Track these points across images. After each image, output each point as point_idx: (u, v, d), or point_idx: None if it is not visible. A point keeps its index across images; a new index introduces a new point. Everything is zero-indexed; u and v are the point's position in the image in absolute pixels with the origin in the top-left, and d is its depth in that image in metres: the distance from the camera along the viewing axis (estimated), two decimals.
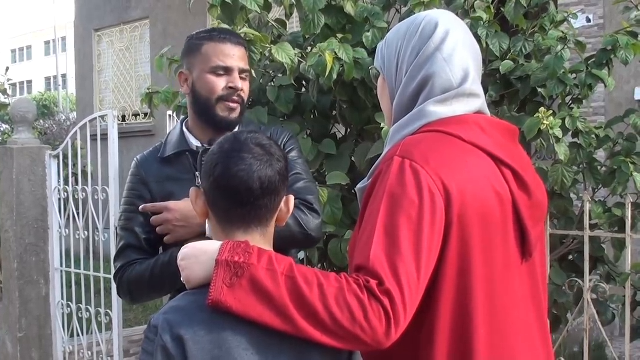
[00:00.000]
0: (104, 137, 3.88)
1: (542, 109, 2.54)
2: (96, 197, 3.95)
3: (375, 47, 2.55)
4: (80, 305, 4.20)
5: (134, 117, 10.69)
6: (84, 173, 5.42)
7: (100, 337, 4.07)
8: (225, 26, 2.51)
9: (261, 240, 1.37)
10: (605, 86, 2.76)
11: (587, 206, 2.72)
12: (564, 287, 2.85)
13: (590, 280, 2.75)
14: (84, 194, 4.11)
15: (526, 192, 1.47)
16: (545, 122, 2.49)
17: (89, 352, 4.19)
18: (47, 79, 49.67)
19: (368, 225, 1.35)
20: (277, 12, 3.52)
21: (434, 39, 1.48)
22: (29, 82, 52.48)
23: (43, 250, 4.43)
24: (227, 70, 2.01)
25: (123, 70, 10.97)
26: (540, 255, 1.54)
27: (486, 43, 2.66)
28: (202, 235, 1.82)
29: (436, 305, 1.36)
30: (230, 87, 2.01)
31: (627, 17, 2.80)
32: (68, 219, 4.29)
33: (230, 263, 1.28)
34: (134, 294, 2.03)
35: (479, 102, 1.51)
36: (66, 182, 4.29)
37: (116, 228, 2.18)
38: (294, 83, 2.71)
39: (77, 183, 4.36)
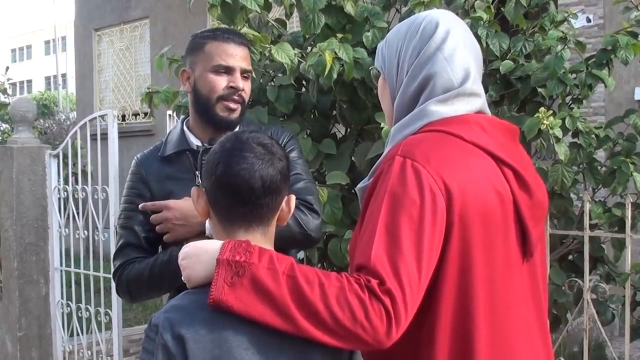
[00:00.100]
0: (104, 136, 3.88)
1: (542, 109, 2.54)
2: (96, 197, 3.95)
3: (375, 47, 2.55)
4: (80, 304, 4.20)
5: (133, 116, 10.70)
6: (84, 172, 5.42)
7: (100, 337, 4.07)
8: (224, 27, 2.51)
9: (262, 239, 1.38)
10: (605, 86, 2.76)
11: (587, 206, 2.72)
12: (563, 287, 2.85)
13: (590, 280, 2.75)
14: (84, 193, 4.11)
15: (527, 192, 1.47)
16: (545, 122, 2.49)
17: (89, 352, 4.19)
18: (47, 78, 49.66)
19: (369, 225, 1.35)
20: (277, 12, 3.52)
21: (434, 38, 1.48)
22: (29, 81, 52.48)
23: (43, 249, 4.43)
24: (229, 70, 2.01)
25: (123, 69, 10.97)
26: (540, 255, 1.54)
27: (486, 43, 2.66)
28: (201, 234, 1.83)
29: (437, 305, 1.37)
30: (231, 87, 2.01)
31: (627, 17, 2.80)
32: (68, 218, 4.29)
33: (231, 262, 1.28)
34: (133, 292, 2.03)
35: (480, 102, 1.51)
36: (66, 182, 4.28)
37: (116, 227, 2.18)
38: (293, 83, 2.71)
39: (77, 182, 4.36)
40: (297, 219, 1.94)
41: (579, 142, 2.74)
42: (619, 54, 2.68)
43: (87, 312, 4.15)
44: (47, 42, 51.20)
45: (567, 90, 2.73)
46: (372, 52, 2.60)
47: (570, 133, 2.69)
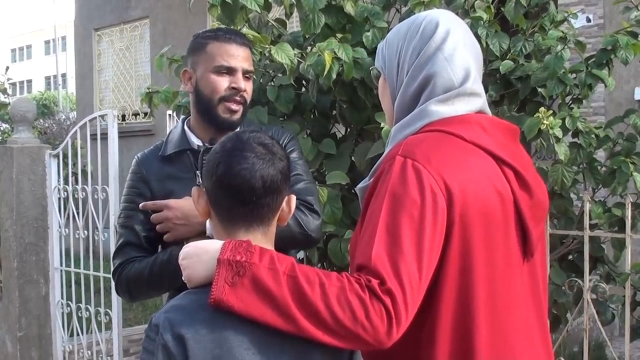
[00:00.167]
0: (104, 136, 3.88)
1: (542, 108, 2.54)
2: (96, 197, 3.95)
3: (375, 47, 2.55)
4: (80, 304, 4.20)
5: (133, 116, 10.70)
6: (84, 172, 5.43)
7: (100, 337, 4.07)
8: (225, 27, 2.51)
9: (263, 239, 1.38)
10: (605, 86, 2.76)
11: (587, 206, 2.72)
12: (563, 287, 2.85)
13: (590, 280, 2.75)
14: (84, 193, 4.11)
15: (527, 192, 1.47)
16: (545, 122, 2.49)
17: (89, 352, 4.19)
18: (47, 78, 49.67)
19: (369, 225, 1.35)
20: (277, 12, 3.52)
21: (434, 38, 1.49)
22: (29, 81, 52.48)
23: (43, 249, 4.43)
24: (231, 71, 2.01)
25: (123, 69, 10.97)
26: (540, 255, 1.54)
27: (486, 43, 2.66)
28: (202, 234, 1.83)
29: (438, 305, 1.37)
30: (233, 88, 2.01)
31: (627, 17, 2.80)
32: (68, 218, 4.29)
33: (232, 262, 1.28)
34: (133, 291, 2.03)
35: (480, 102, 1.51)
36: (66, 182, 4.28)
37: (115, 227, 2.18)
38: (293, 83, 2.71)
39: (77, 182, 4.36)
40: (297, 220, 1.95)
41: (579, 142, 2.74)
42: (619, 54, 2.68)
43: (87, 312, 4.15)
44: (47, 42, 51.21)
45: (567, 90, 2.73)
46: (372, 52, 2.60)
47: (570, 133, 2.69)
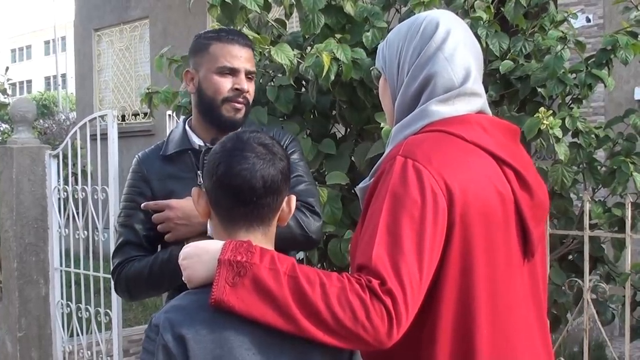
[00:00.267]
0: (104, 136, 3.88)
1: (542, 108, 2.54)
2: (96, 197, 3.95)
3: (375, 47, 2.55)
4: (80, 304, 4.20)
5: (133, 116, 10.70)
6: (84, 173, 5.42)
7: (100, 337, 4.07)
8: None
9: (263, 239, 1.38)
10: (605, 86, 2.76)
11: (587, 206, 2.72)
12: (563, 287, 2.85)
13: (590, 280, 2.75)
14: (84, 193, 4.11)
15: (528, 192, 1.47)
16: (545, 122, 2.49)
17: (89, 352, 4.19)
18: (47, 78, 49.67)
19: (370, 225, 1.35)
20: (277, 12, 3.52)
21: (435, 38, 1.49)
22: (29, 81, 52.47)
23: (43, 249, 4.43)
24: (234, 71, 2.01)
25: (123, 70, 10.97)
26: (540, 255, 1.54)
27: (486, 43, 2.66)
28: (203, 234, 1.83)
29: (438, 305, 1.37)
30: (236, 89, 2.01)
31: (627, 17, 2.80)
32: (68, 218, 4.29)
33: (232, 262, 1.28)
34: (132, 290, 2.03)
35: (481, 102, 1.51)
36: (66, 182, 4.29)
37: (115, 227, 2.18)
38: (293, 83, 2.71)
39: (76, 183, 4.36)
40: (298, 221, 1.95)
41: (578, 142, 2.74)
42: (619, 54, 2.68)
43: (87, 313, 4.15)
44: (47, 42, 51.21)
45: (567, 90, 2.73)
46: (371, 52, 2.59)
47: (570, 133, 2.69)
